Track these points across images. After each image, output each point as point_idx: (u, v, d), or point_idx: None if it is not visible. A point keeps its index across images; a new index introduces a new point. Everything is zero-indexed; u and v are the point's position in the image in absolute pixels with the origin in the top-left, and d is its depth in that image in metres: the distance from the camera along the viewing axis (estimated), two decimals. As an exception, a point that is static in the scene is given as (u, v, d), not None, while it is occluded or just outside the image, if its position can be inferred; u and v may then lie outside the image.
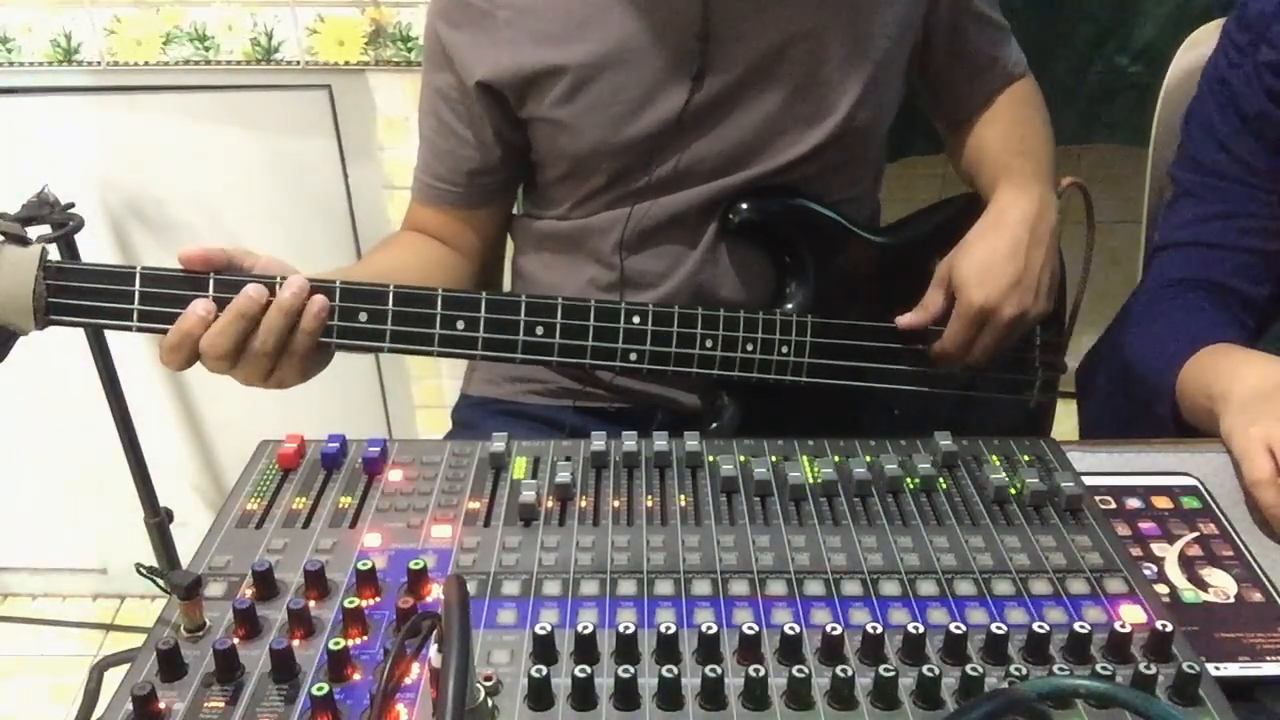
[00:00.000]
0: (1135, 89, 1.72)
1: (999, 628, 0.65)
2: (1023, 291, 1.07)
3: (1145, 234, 1.40)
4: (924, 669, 0.61)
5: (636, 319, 1.01)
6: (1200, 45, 1.30)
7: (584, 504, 0.79)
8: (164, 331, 0.89)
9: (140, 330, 0.90)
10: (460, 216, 1.17)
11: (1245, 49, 1.08)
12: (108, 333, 1.59)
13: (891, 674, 0.61)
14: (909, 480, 0.81)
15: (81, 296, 0.88)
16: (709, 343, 1.04)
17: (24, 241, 0.87)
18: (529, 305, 0.98)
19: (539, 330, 0.98)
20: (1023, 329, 1.09)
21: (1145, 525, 0.82)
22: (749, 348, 1.05)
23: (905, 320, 1.10)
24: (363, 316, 0.93)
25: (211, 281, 0.89)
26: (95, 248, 1.70)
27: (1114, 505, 0.84)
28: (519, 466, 0.83)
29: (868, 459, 0.83)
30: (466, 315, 0.96)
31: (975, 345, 1.09)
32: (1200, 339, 1.01)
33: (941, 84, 1.23)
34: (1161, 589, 0.76)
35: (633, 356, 1.02)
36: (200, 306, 0.87)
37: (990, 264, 1.06)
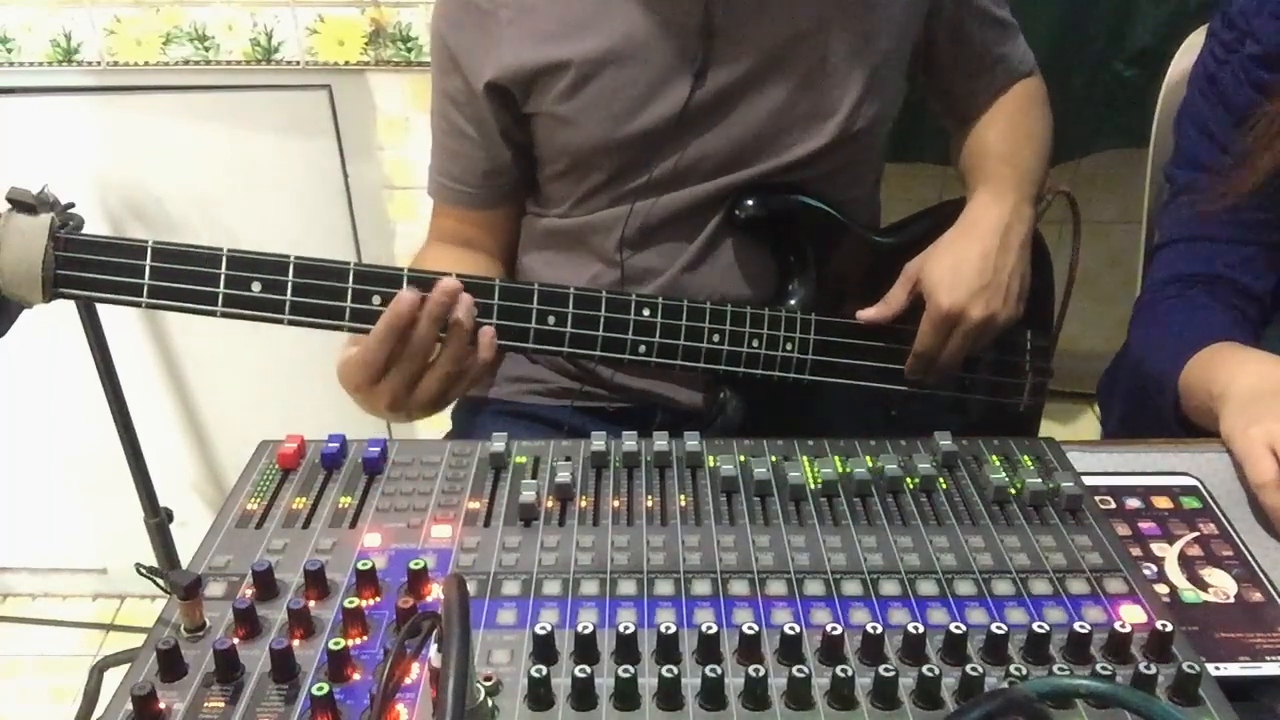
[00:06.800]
0: (1130, 93, 1.72)
1: (999, 628, 0.65)
2: (990, 296, 1.08)
3: (1145, 235, 1.40)
4: (924, 669, 0.61)
5: (646, 311, 1.02)
6: (1197, 48, 1.30)
7: (584, 504, 0.79)
8: (173, 309, 0.88)
9: (149, 306, 0.89)
10: (479, 218, 1.17)
11: (1231, 45, 1.09)
12: (108, 333, 1.59)
13: (891, 674, 0.61)
14: (909, 480, 0.81)
15: (91, 269, 0.88)
16: (716, 337, 1.05)
17: (33, 211, 0.85)
18: (541, 294, 0.98)
19: (551, 320, 0.99)
20: (992, 333, 1.10)
21: (1145, 525, 0.82)
22: (754, 343, 1.06)
23: (866, 314, 1.11)
24: (376, 300, 0.93)
25: (224, 258, 0.89)
26: (95, 248, 1.70)
27: (1114, 505, 0.84)
28: (519, 466, 0.83)
29: (868, 459, 0.83)
30: (480, 303, 0.96)
31: (945, 349, 1.10)
32: (1203, 337, 1.01)
33: (946, 82, 1.23)
34: (1161, 589, 0.76)
35: (641, 349, 1.03)
36: (406, 299, 0.89)
37: (959, 269, 1.07)
